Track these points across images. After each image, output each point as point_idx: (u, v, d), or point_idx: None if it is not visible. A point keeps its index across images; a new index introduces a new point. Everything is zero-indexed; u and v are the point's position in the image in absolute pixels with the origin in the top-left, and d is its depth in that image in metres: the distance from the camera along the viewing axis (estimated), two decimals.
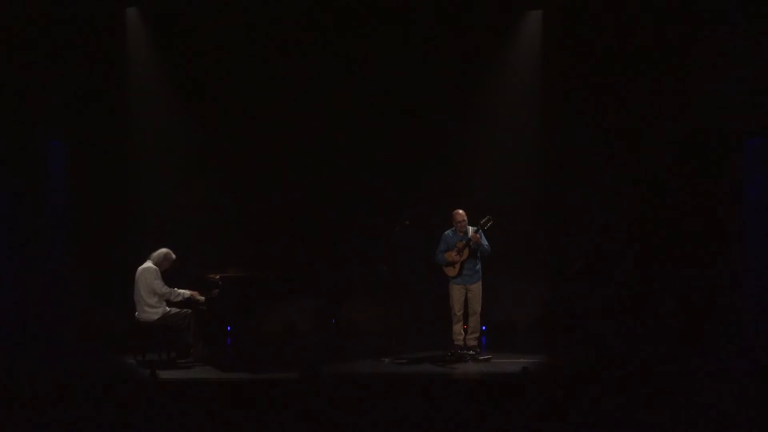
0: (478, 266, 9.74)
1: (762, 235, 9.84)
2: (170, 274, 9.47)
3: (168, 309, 9.30)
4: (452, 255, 9.66)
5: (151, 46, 11.01)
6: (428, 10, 10.99)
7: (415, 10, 11.00)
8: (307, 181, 11.21)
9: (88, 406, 6.91)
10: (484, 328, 10.07)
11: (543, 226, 11.10)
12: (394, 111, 11.21)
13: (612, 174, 10.82)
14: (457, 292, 9.74)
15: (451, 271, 9.74)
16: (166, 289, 9.28)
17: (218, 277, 9.44)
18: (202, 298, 9.48)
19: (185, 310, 9.37)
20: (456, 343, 9.78)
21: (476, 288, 9.74)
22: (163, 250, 9.44)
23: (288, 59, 11.07)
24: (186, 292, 9.41)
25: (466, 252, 9.63)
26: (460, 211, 9.67)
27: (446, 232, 9.79)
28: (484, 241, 9.61)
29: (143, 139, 11.10)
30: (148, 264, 9.37)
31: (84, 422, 6.64)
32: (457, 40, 11.08)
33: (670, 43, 10.50)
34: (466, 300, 9.74)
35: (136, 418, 6.70)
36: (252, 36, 11.04)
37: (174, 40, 11.01)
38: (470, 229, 9.64)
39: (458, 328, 9.77)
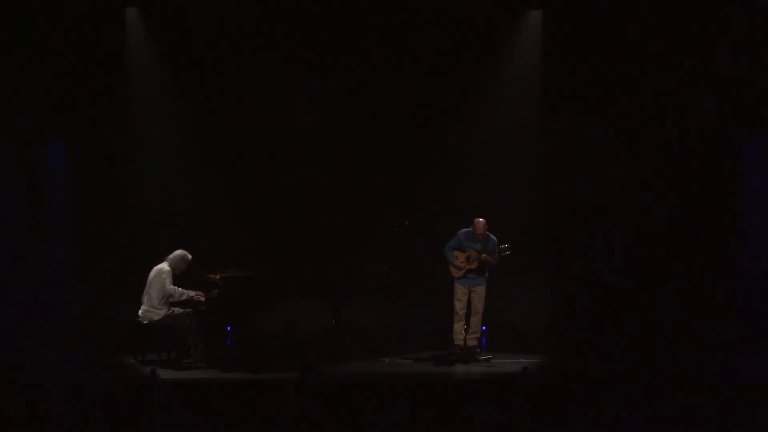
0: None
1: (762, 235, 9.84)
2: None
3: (171, 310, 9.29)
4: (461, 259, 9.66)
5: (151, 46, 11.00)
6: (428, 10, 10.99)
7: (415, 10, 11.00)
8: (307, 181, 11.19)
9: (88, 406, 6.90)
10: (484, 328, 10.05)
11: (543, 226, 11.08)
12: (393, 110, 11.20)
13: (612, 174, 10.81)
14: (460, 291, 9.74)
15: (456, 272, 9.74)
16: (175, 290, 9.27)
17: (218, 277, 9.44)
18: (203, 298, 9.48)
19: (186, 310, 9.35)
20: (456, 342, 9.78)
21: (480, 290, 9.74)
22: (180, 251, 9.38)
23: (288, 59, 11.06)
24: (191, 292, 9.40)
25: (475, 264, 9.64)
26: (482, 221, 9.66)
27: (462, 231, 9.77)
28: (495, 259, 9.64)
29: (143, 138, 11.06)
30: (164, 265, 9.33)
31: (84, 422, 6.64)
32: (457, 39, 11.07)
33: (670, 43, 10.49)
34: (469, 299, 9.75)
35: (136, 418, 6.70)
36: (252, 36, 11.02)
37: (174, 40, 10.99)
38: (492, 238, 9.65)
39: (459, 327, 9.76)
